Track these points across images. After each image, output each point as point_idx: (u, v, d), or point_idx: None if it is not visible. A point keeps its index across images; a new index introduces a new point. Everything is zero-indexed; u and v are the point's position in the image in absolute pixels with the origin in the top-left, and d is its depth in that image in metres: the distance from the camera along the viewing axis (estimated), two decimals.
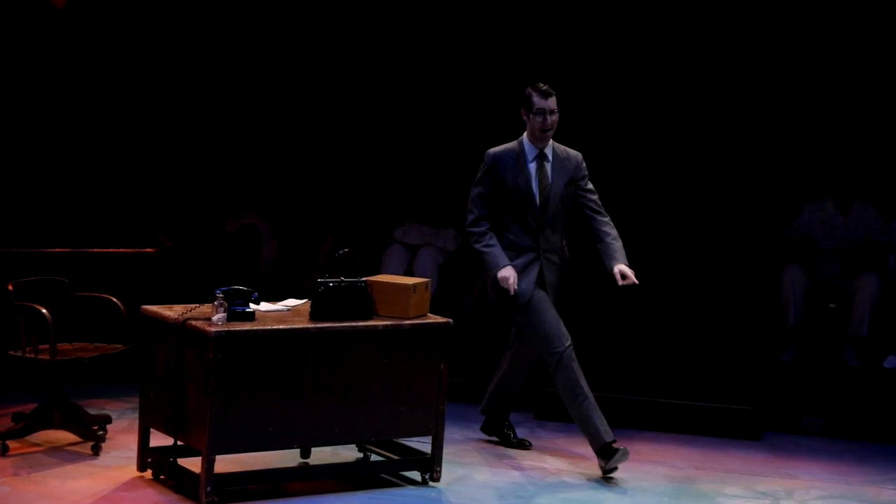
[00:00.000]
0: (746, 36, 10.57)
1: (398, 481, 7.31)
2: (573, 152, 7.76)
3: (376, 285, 7.23)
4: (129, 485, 6.92)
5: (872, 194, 9.96)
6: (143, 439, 7.06)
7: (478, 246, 7.66)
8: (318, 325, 6.86)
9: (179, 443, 6.76)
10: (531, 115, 7.57)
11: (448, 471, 7.43)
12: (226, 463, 6.74)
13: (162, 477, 6.99)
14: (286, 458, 7.38)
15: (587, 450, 8.23)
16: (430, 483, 7.27)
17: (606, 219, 7.76)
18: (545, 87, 7.55)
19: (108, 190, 10.36)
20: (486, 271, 7.73)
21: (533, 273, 7.70)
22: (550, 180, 7.60)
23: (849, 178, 9.83)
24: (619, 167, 10.78)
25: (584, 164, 7.76)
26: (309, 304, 7.13)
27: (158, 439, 7.00)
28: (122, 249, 9.60)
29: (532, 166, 7.60)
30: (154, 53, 10.77)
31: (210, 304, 6.70)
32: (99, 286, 7.96)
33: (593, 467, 7.86)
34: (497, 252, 7.61)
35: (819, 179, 10.03)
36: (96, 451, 7.47)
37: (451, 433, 7.90)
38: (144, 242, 9.84)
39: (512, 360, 8.17)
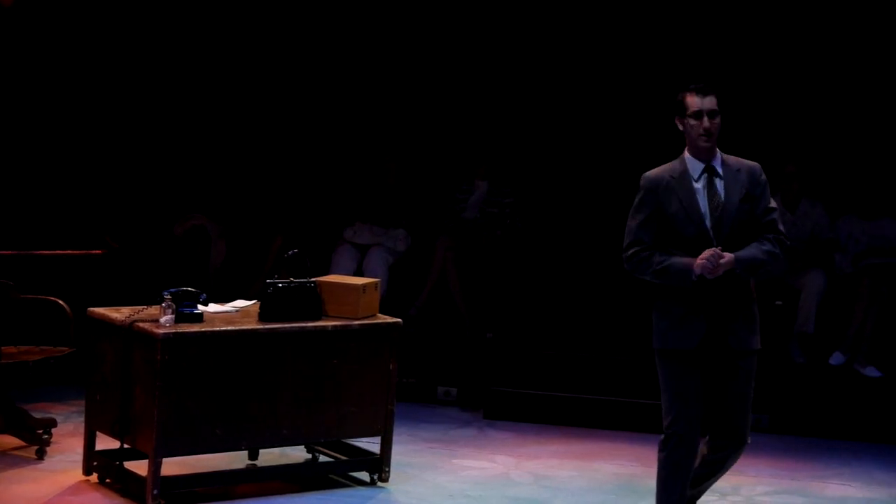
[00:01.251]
0: (692, 32, 10.63)
1: (347, 482, 7.30)
2: (748, 162, 6.25)
3: (326, 286, 7.23)
4: (75, 489, 6.88)
5: (819, 192, 10.04)
6: (89, 443, 7.02)
7: (650, 271, 6.02)
8: (267, 326, 6.84)
9: (126, 446, 6.73)
10: (687, 121, 6.09)
11: (397, 471, 7.42)
12: (173, 466, 6.71)
13: (108, 481, 6.95)
14: (234, 459, 7.36)
15: (536, 448, 8.28)
16: (379, 483, 7.27)
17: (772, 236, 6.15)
18: (701, 85, 6.14)
19: (54, 191, 10.28)
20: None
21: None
22: (723, 198, 6.03)
23: (799, 176, 9.89)
24: (565, 165, 10.84)
25: (764, 177, 6.24)
26: (258, 305, 7.11)
27: (105, 443, 6.96)
28: (68, 251, 9.53)
29: (699, 185, 6.05)
30: (94, 54, 10.67)
31: (158, 306, 6.68)
32: (45, 288, 7.92)
33: (542, 466, 7.89)
34: (676, 259, 5.94)
35: (770, 175, 10.08)
36: (41, 455, 7.42)
37: (400, 433, 7.88)
38: (92, 244, 9.76)
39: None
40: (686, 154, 6.15)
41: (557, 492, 7.44)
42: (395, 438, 7.35)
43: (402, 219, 10.37)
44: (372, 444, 7.39)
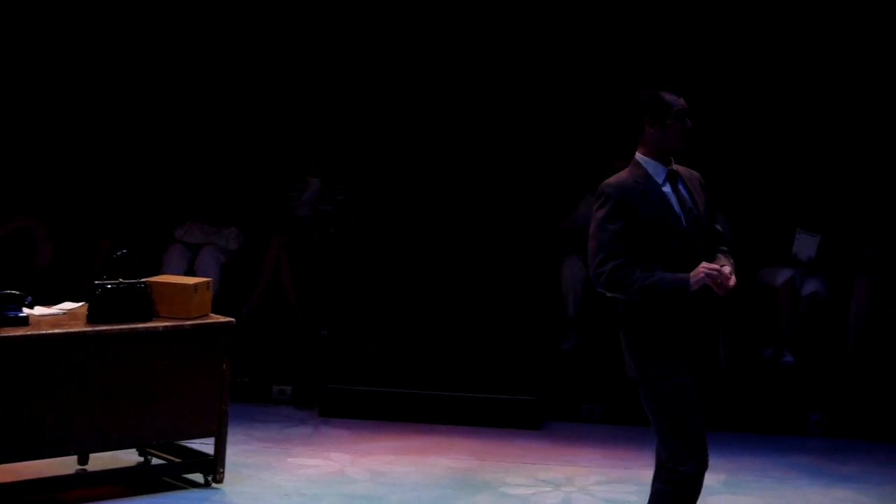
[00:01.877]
0: (518, 31, 10.74)
1: (181, 484, 7.20)
2: (691, 170, 5.74)
3: (157, 286, 7.12)
4: None
5: None
6: None
7: (633, 288, 5.29)
8: (96, 328, 6.72)
9: None
10: (668, 122, 5.45)
11: (232, 472, 7.35)
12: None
13: None
14: (63, 465, 7.19)
15: (372, 445, 8.28)
16: (214, 485, 7.18)
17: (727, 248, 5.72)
18: (669, 84, 5.56)
19: None
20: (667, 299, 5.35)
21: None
22: (690, 203, 5.50)
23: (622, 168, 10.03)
24: (397, 162, 10.86)
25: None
26: (86, 307, 6.98)
27: None
28: None
29: (667, 190, 5.47)
30: None
31: None
32: None
33: (378, 463, 7.89)
34: (662, 273, 5.30)
35: (596, 171, 10.23)
36: None
37: (234, 433, 7.80)
38: None
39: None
40: (643, 157, 5.50)
41: (394, 488, 7.44)
42: (229, 439, 7.28)
43: (233, 217, 10.26)
44: (206, 445, 7.29)
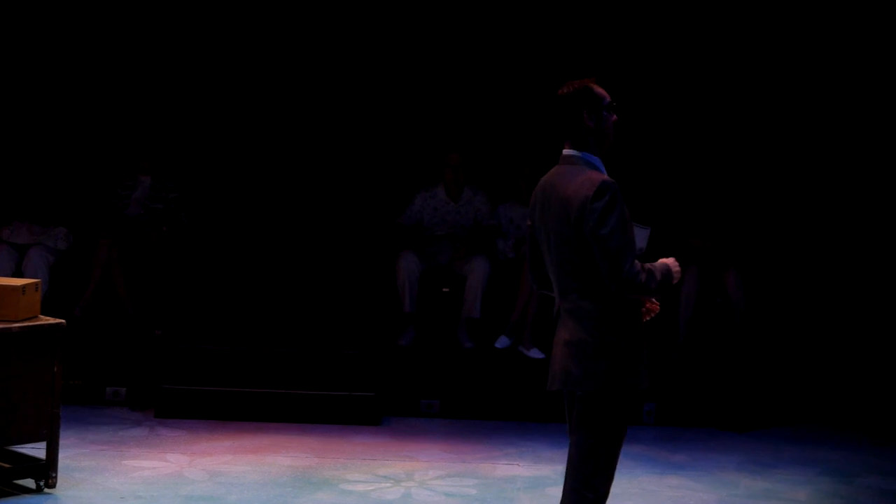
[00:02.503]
0: (355, 27, 10.73)
1: (12, 490, 7.02)
2: None
3: None
4: None
5: (481, 181, 10.29)
6: None
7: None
8: None
9: None
10: (605, 115, 5.17)
11: (65, 476, 7.20)
12: None
13: None
14: None
15: (209, 446, 8.18)
16: (46, 490, 7.02)
17: None
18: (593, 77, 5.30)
19: None
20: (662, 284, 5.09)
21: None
22: None
23: (463, 165, 10.09)
24: (228, 158, 10.75)
25: None
26: None
27: None
28: None
29: None
30: None
31: None
32: None
33: (216, 463, 7.80)
34: (652, 264, 5.10)
35: (431, 167, 10.28)
36: None
37: (67, 437, 7.66)
38: None
39: None
40: (590, 155, 5.17)
41: (232, 487, 7.37)
42: (62, 442, 7.13)
43: (62, 216, 10.04)
44: (37, 450, 7.14)
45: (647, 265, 5.04)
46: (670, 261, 5.13)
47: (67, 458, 7.50)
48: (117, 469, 7.64)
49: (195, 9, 10.66)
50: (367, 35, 10.68)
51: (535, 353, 9.60)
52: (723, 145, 10.46)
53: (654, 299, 5.15)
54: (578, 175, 5.08)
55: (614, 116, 5.21)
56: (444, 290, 9.95)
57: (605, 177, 5.05)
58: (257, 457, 8.04)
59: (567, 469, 5.20)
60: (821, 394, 9.82)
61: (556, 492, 7.44)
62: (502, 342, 9.73)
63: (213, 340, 9.54)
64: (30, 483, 7.06)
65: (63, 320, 7.11)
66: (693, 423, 9.32)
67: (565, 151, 5.19)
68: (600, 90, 5.18)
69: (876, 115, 10.36)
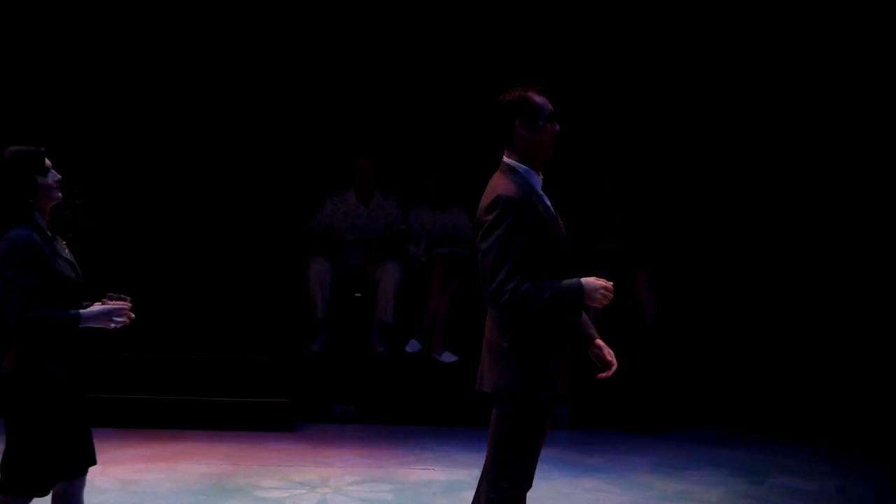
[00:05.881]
0: (269, 31, 10.67)
1: None
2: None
3: None
4: None
5: (391, 185, 10.28)
6: None
7: (536, 304, 4.96)
8: None
9: None
10: (541, 125, 5.14)
11: None
12: None
13: None
14: None
15: (121, 454, 8.09)
16: None
17: None
18: (540, 87, 5.26)
19: None
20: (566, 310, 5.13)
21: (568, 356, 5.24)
22: (556, 214, 5.25)
23: (372, 170, 10.06)
24: (147, 157, 10.62)
25: None
26: None
27: None
28: None
29: (547, 201, 5.19)
30: None
31: None
32: None
33: (128, 471, 7.71)
34: (556, 284, 5.04)
35: (341, 172, 10.25)
36: None
37: None
38: None
39: None
40: (519, 164, 5.15)
41: (146, 496, 7.28)
42: None
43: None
44: None
45: (545, 282, 4.98)
46: (592, 280, 5.06)
47: None
48: None
49: (97, 7, 10.49)
50: (279, 36, 10.61)
51: (447, 357, 9.61)
52: (627, 148, 10.54)
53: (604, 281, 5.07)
54: (495, 183, 5.13)
55: (556, 127, 5.16)
56: (357, 295, 9.92)
57: (505, 191, 5.02)
58: (170, 464, 7.95)
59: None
60: (729, 395, 9.95)
61: (472, 495, 7.50)
62: (413, 346, 9.72)
63: (123, 347, 9.40)
64: None
65: None
66: (606, 425, 9.40)
67: (503, 158, 5.21)
68: (540, 99, 5.15)
69: (780, 105, 10.50)
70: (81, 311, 5.22)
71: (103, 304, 5.29)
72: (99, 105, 10.55)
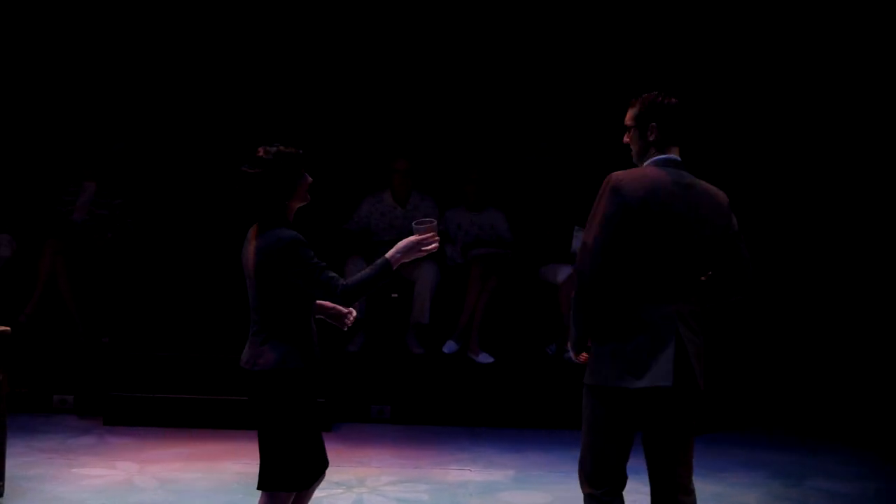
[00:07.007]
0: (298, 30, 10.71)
1: None
2: None
3: None
4: None
5: (429, 186, 10.29)
6: None
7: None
8: None
9: None
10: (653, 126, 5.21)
11: (12, 485, 7.12)
12: None
13: None
14: None
15: (159, 453, 8.13)
16: None
17: None
18: None
19: None
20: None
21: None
22: None
23: (409, 171, 10.08)
24: (173, 164, 10.68)
25: None
26: None
27: None
28: None
29: None
30: None
31: None
32: None
33: (166, 470, 7.75)
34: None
35: (378, 173, 10.27)
36: None
37: (14, 445, 7.58)
38: None
39: None
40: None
41: (183, 495, 7.31)
42: (8, 451, 7.04)
43: (5, 223, 9.94)
44: None
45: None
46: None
47: (15, 466, 7.41)
48: (66, 477, 7.56)
49: (131, 11, 10.57)
50: (316, 40, 10.65)
51: (484, 358, 9.62)
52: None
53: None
54: (707, 185, 5.18)
55: None
56: (393, 295, 9.93)
57: None
58: (208, 464, 7.99)
59: None
60: (763, 397, 9.91)
61: (509, 497, 7.52)
62: (450, 347, 9.73)
63: (162, 347, 9.47)
64: None
65: (8, 328, 7.01)
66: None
67: (675, 156, 5.18)
68: None
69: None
70: (387, 255, 5.18)
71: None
72: (142, 105, 10.63)
